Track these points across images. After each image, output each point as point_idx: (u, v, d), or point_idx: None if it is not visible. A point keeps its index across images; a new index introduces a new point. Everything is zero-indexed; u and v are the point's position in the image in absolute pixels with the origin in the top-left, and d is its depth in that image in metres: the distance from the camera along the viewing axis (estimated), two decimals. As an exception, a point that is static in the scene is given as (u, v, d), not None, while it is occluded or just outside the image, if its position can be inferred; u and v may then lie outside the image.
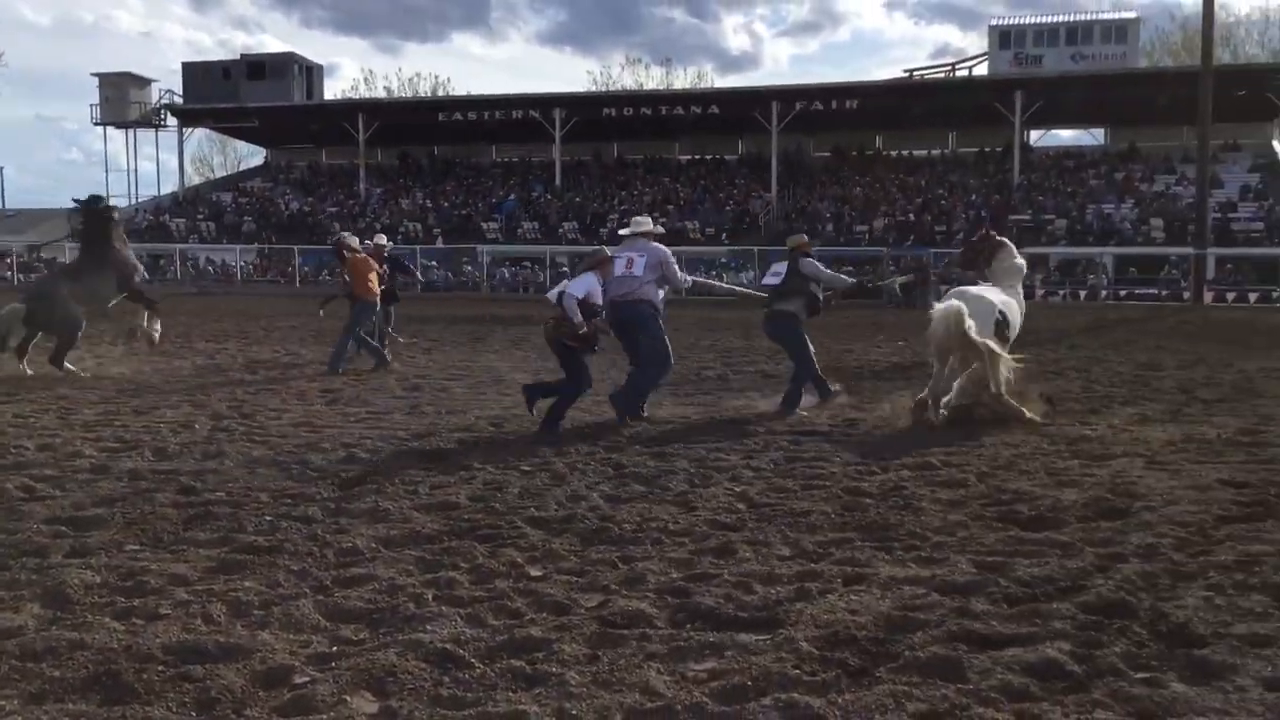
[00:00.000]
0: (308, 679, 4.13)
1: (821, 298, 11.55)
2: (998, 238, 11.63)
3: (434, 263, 49.02)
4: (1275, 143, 52.22)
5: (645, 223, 11.40)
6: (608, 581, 5.34)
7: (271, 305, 33.22)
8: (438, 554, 5.82)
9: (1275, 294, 38.48)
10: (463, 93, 75.44)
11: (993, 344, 9.83)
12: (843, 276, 14.15)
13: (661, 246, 10.98)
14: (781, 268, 11.68)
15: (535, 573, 5.49)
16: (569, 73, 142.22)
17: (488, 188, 59.84)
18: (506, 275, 49.19)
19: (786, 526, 6.41)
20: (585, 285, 9.98)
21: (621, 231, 11.66)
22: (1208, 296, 37.20)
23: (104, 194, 21.44)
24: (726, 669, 4.20)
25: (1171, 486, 7.39)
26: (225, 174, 77.45)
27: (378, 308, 15.30)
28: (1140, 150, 53.12)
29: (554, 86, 75.87)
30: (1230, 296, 38.34)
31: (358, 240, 16.07)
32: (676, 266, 11.09)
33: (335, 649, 4.46)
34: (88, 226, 14.98)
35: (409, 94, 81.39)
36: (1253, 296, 38.43)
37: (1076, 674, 4.10)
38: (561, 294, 9.96)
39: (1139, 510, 6.70)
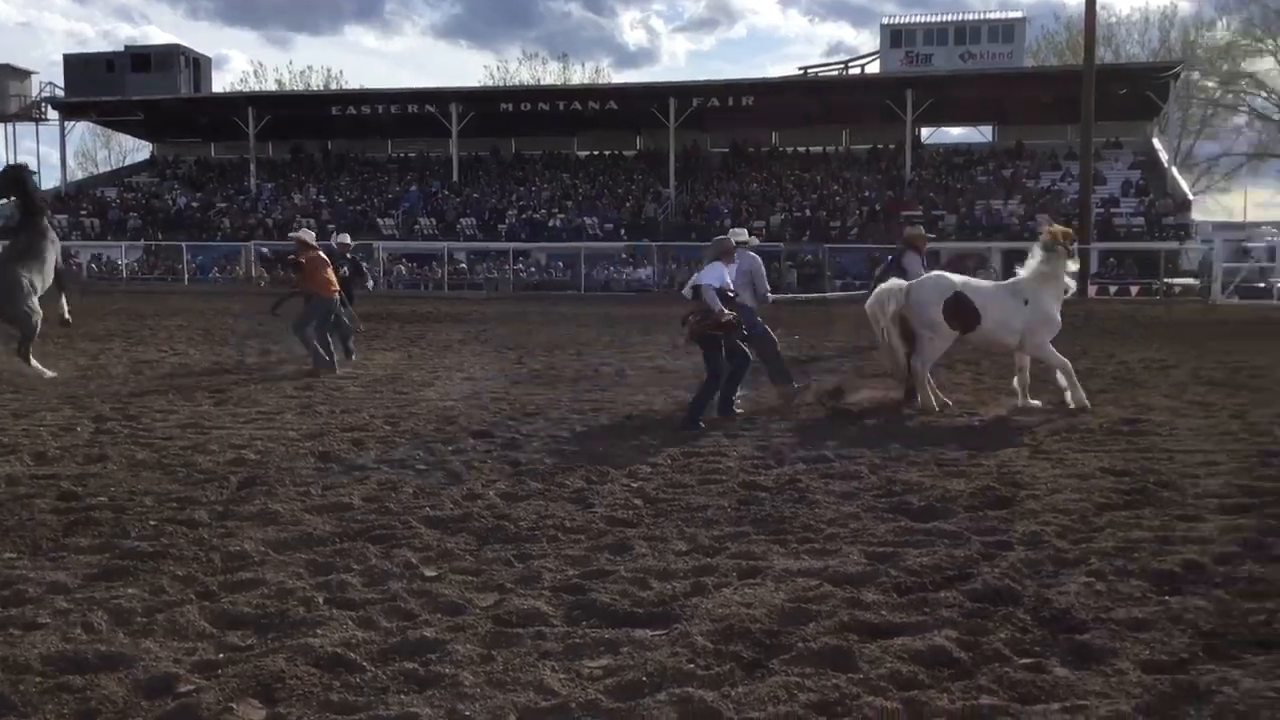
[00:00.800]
0: (192, 687, 4.03)
1: None
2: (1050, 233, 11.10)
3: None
4: (1155, 140, 54.04)
5: (741, 233, 11.77)
6: (503, 580, 5.30)
7: (159, 304, 32.31)
8: (329, 556, 5.72)
9: (1155, 287, 39.84)
10: (356, 86, 74.27)
11: (896, 328, 10.72)
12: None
13: (755, 256, 11.49)
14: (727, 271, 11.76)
15: (430, 573, 5.43)
16: (465, 67, 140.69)
17: (383, 183, 58.99)
18: (404, 272, 48.58)
19: (683, 522, 6.44)
20: (719, 275, 10.07)
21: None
22: (1091, 290, 38.35)
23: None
24: (621, 665, 4.20)
25: (1055, 475, 7.61)
26: (110, 169, 75.16)
27: (335, 304, 14.63)
28: (1027, 148, 54.52)
29: (450, 81, 75.22)
30: (1113, 290, 39.58)
31: (314, 235, 15.44)
32: (765, 277, 11.67)
33: (221, 656, 4.36)
34: (21, 199, 13.91)
35: (301, 87, 79.87)
36: (1134, 290, 39.71)
37: (963, 661, 4.20)
38: (697, 287, 9.96)
39: (1024, 499, 6.88)
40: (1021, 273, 10.94)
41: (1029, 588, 5.04)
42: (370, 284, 16.83)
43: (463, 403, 11.52)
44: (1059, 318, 10.96)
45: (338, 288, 14.64)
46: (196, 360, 16.02)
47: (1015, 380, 11.09)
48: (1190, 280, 40.26)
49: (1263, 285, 36.47)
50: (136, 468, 8.05)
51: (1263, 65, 69.89)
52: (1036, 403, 10.84)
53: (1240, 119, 72.51)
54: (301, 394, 12.21)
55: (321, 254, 14.68)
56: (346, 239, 16.76)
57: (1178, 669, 4.11)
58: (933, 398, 10.71)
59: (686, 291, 10.48)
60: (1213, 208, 71.19)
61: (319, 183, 59.52)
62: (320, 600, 4.99)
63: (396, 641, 4.47)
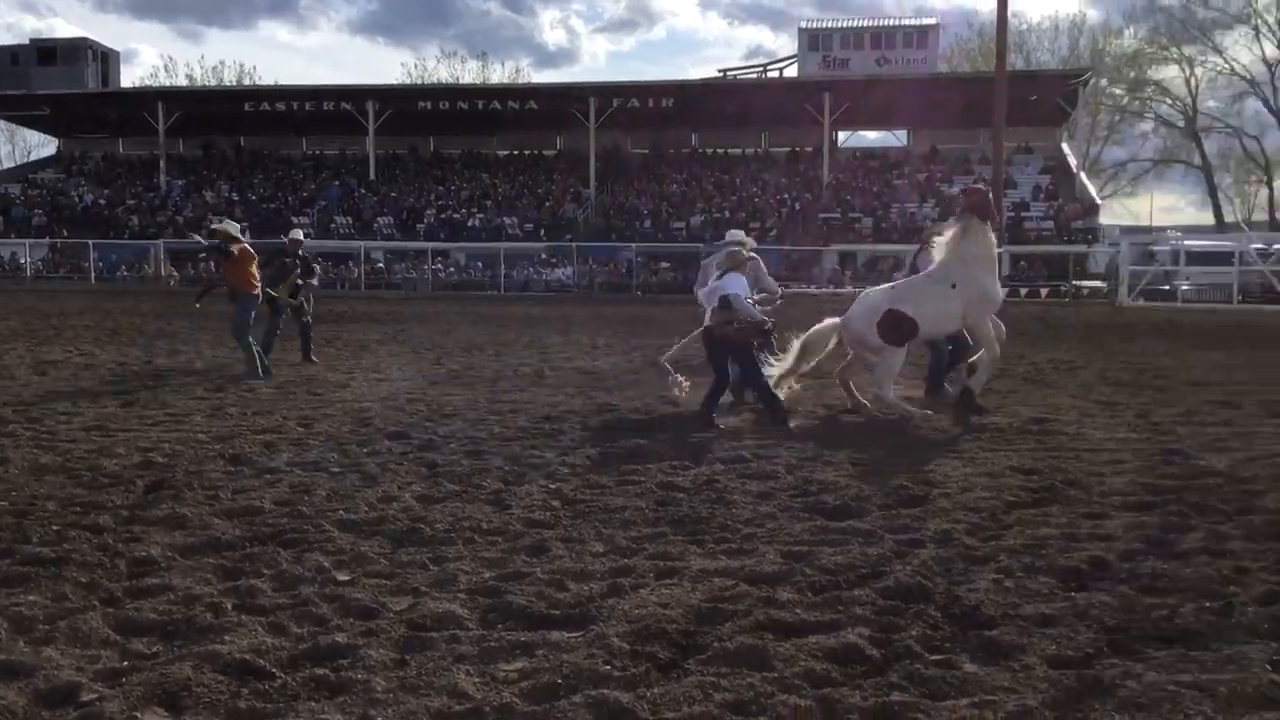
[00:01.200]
0: (95, 696, 3.92)
1: None
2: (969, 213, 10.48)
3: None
4: (1064, 145, 55.37)
5: (738, 234, 12.01)
6: (418, 583, 5.24)
7: (64, 303, 31.47)
8: (238, 561, 5.61)
9: (1064, 289, 40.76)
10: (270, 82, 73.02)
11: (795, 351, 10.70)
12: None
13: (754, 255, 11.57)
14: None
15: (342, 577, 5.35)
16: (382, 64, 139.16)
17: (298, 181, 58.16)
18: (319, 271, 47.90)
19: (601, 523, 6.43)
20: (743, 285, 10.21)
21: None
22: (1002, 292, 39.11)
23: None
24: (537, 668, 4.17)
25: (966, 474, 7.74)
26: (13, 165, 73.03)
27: (259, 301, 13.98)
28: (940, 152, 55.51)
29: (367, 78, 74.29)
30: (1023, 292, 40.42)
31: (239, 227, 14.66)
32: (767, 274, 11.95)
33: (126, 664, 4.25)
34: None
35: (213, 82, 78.39)
36: (1044, 291, 40.60)
37: (875, 658, 4.24)
38: (727, 297, 10.01)
39: (936, 497, 6.98)
40: (939, 255, 10.48)
41: (940, 585, 5.12)
42: (316, 281, 15.90)
43: (379, 404, 11.38)
44: (997, 292, 10.48)
45: (259, 285, 14.00)
46: (103, 361, 15.62)
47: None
48: (1098, 283, 41.29)
49: (1167, 288, 37.52)
50: (39, 471, 7.81)
51: (1168, 73, 72.21)
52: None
53: (1146, 125, 74.87)
54: (212, 396, 11.96)
55: (248, 247, 14.14)
56: (299, 235, 15.92)
57: (1083, 664, 4.19)
58: (912, 408, 10.49)
59: (703, 296, 10.67)
60: (1120, 212, 73.31)
61: (231, 180, 58.51)
62: (229, 606, 4.88)
63: (307, 647, 4.39)
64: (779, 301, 11.86)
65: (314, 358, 15.48)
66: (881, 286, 11.14)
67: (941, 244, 10.48)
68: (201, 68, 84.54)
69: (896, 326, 10.32)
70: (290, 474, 7.78)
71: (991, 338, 10.39)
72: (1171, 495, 6.93)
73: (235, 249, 13.70)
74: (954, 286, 10.26)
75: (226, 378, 13.43)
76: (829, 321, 10.84)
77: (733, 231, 12.33)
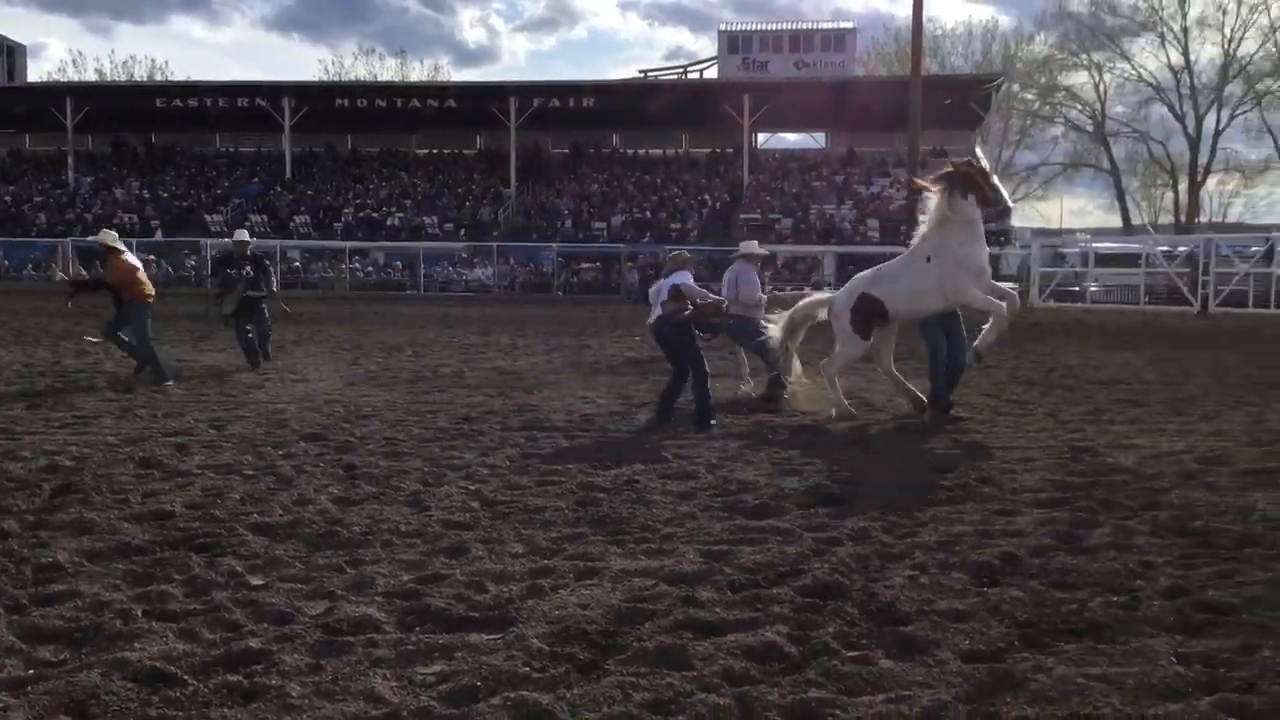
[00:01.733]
0: (0, 706, 3.80)
1: None
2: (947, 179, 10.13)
3: (151, 257, 46.37)
4: (978, 149, 56.37)
5: (752, 245, 12.76)
6: (334, 587, 5.16)
7: (-33, 302, 30.51)
8: (149, 566, 5.47)
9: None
10: (183, 78, 71.54)
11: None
12: None
13: (744, 264, 12.29)
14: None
15: (256, 581, 5.25)
16: (299, 61, 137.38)
17: (212, 178, 57.06)
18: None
19: (520, 524, 6.40)
20: (687, 278, 10.24)
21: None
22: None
23: None
24: (456, 670, 4.14)
25: (883, 472, 7.84)
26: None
27: (151, 307, 13.44)
28: (858, 154, 56.26)
29: (283, 75, 73.11)
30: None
31: (116, 235, 14.01)
32: (750, 282, 12.15)
33: (31, 672, 4.12)
34: None
35: (123, 78, 76.55)
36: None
37: (793, 655, 4.28)
38: (675, 286, 10.03)
39: (854, 496, 7.07)
40: (920, 229, 10.26)
41: (857, 582, 5.18)
42: (273, 285, 15.27)
43: (294, 405, 11.21)
44: (980, 258, 10.02)
45: (152, 292, 13.49)
46: (8, 362, 15.16)
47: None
48: (1010, 284, 42.08)
49: (1076, 289, 38.42)
50: (-62, 476, 7.56)
51: (1078, 79, 74.01)
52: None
53: (1057, 130, 76.56)
54: (121, 397, 11.68)
55: (130, 258, 13.76)
56: (244, 235, 15.40)
57: (995, 658, 4.27)
58: (843, 403, 10.49)
59: (653, 293, 10.58)
60: (1031, 215, 74.90)
61: (142, 177, 57.24)
62: (138, 612, 4.76)
63: (220, 653, 4.30)
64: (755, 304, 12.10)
65: (262, 362, 14.77)
66: (868, 271, 10.95)
67: (922, 221, 10.29)
68: (112, 63, 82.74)
69: (866, 313, 10.31)
70: (202, 477, 7.62)
71: (986, 297, 9.92)
72: (1080, 492, 7.10)
73: (112, 260, 13.37)
74: (929, 260, 9.94)
75: (136, 379, 13.12)
76: (815, 296, 11.13)
77: (745, 243, 12.89)
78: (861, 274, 10.92)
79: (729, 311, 10.67)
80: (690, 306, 9.96)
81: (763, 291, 12.47)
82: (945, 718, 3.71)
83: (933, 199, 10.06)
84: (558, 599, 4.95)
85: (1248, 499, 6.93)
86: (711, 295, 10.30)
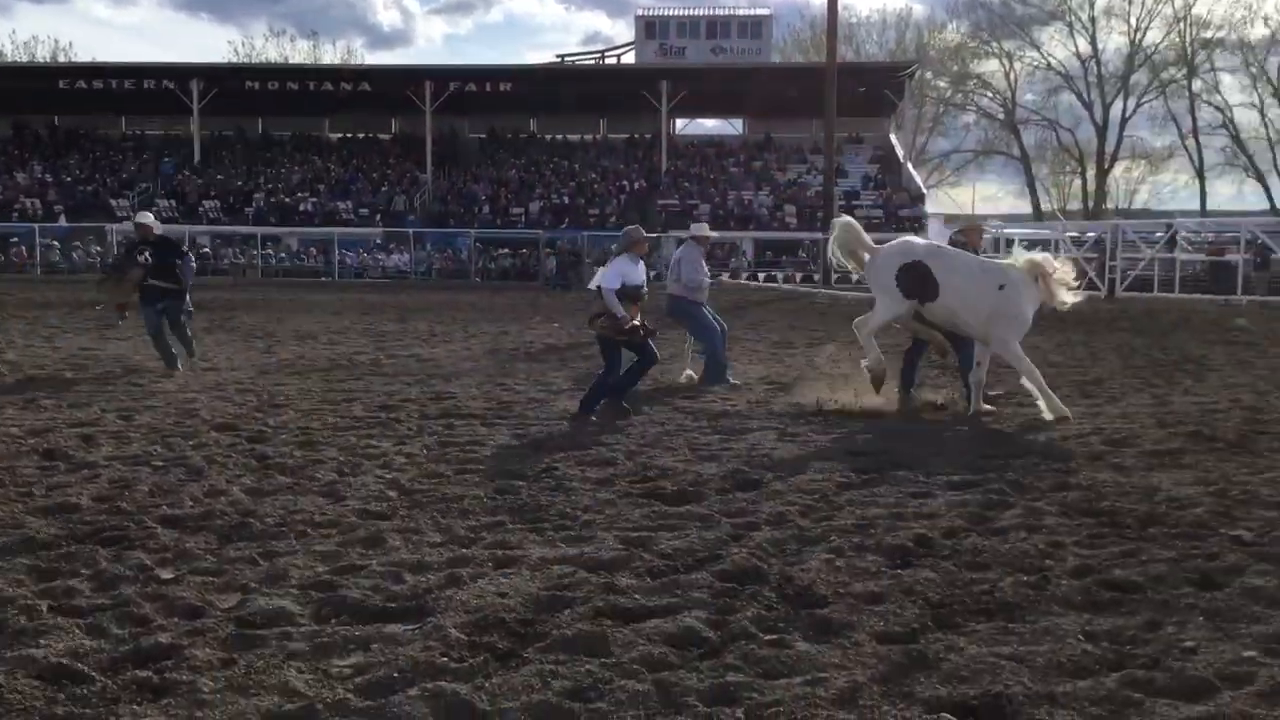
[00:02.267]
0: (-102, 709, 3.67)
1: None
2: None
3: (55, 243, 45.12)
4: (892, 136, 57.15)
5: (702, 228, 12.86)
6: (247, 580, 5.07)
7: None
8: (54, 561, 5.32)
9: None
10: (88, 59, 69.51)
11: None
12: None
13: (692, 245, 12.38)
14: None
15: (166, 575, 5.13)
16: (207, 42, 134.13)
17: (117, 162, 55.58)
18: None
19: (439, 513, 6.35)
20: (618, 275, 9.77)
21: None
22: (835, 277, 40.13)
23: None
24: (372, 662, 4.09)
25: (800, 457, 7.92)
26: None
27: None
28: (775, 140, 56.64)
29: (191, 56, 71.46)
30: (854, 278, 41.48)
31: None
32: (692, 264, 12.14)
33: (-69, 673, 3.99)
34: None
35: (25, 58, 74.15)
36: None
37: (712, 640, 4.30)
38: (599, 288, 9.72)
39: (771, 481, 7.13)
40: (1010, 258, 10.10)
41: (775, 566, 5.23)
42: (190, 272, 13.14)
43: (205, 395, 10.98)
44: (1028, 322, 9.97)
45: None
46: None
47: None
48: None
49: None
50: None
51: (989, 67, 75.37)
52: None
53: (969, 117, 77.91)
54: (24, 388, 11.34)
55: None
56: (149, 218, 13.63)
57: (909, 639, 4.34)
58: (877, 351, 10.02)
59: (592, 286, 10.32)
60: (944, 201, 75.94)
61: (45, 160, 55.52)
62: (44, 608, 4.63)
63: (129, 649, 4.21)
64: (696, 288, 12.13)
65: (189, 362, 13.10)
66: (928, 241, 10.83)
67: (1015, 251, 10.18)
68: (13, 43, 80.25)
69: (918, 280, 9.68)
70: (110, 469, 7.44)
71: (1021, 355, 9.74)
72: (992, 474, 7.23)
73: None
74: (1001, 288, 9.66)
75: (38, 368, 12.74)
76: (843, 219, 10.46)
77: (696, 225, 13.01)
78: (918, 240, 10.75)
79: (670, 293, 10.62)
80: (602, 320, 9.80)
81: (706, 275, 12.48)
82: (860, 699, 3.76)
83: (1040, 259, 9.86)
84: (476, 588, 4.92)
85: (1152, 480, 7.14)
86: (621, 312, 9.67)
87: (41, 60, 72.53)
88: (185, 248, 14.26)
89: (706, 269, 12.45)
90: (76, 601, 4.76)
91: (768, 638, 4.34)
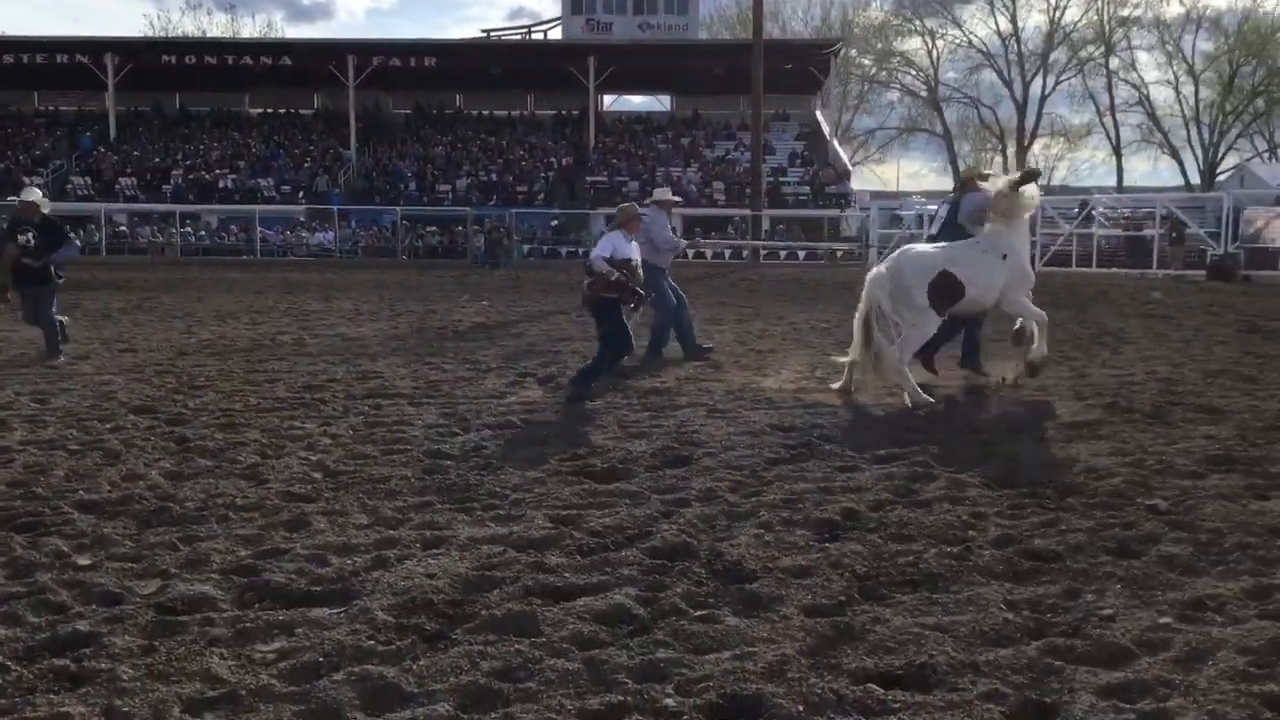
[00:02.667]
0: None
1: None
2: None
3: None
4: (818, 113, 57.41)
5: (665, 192, 12.95)
6: (167, 565, 4.98)
7: None
8: (-35, 549, 5.18)
9: (820, 252, 42.39)
10: (-4, 32, 67.29)
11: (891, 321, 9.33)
12: None
13: (659, 212, 12.25)
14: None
15: (83, 561, 5.02)
16: (121, 15, 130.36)
17: (30, 139, 53.99)
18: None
19: (365, 494, 6.28)
20: (610, 246, 9.84)
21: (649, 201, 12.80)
22: (762, 254, 40.37)
23: None
24: (297, 647, 4.04)
25: (729, 433, 7.95)
26: None
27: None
28: (703, 117, 56.63)
29: (105, 30, 69.48)
30: (782, 254, 41.79)
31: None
32: (665, 226, 12.22)
33: None
34: None
35: (-72, 30, 71.60)
36: (801, 254, 42.12)
37: (642, 617, 4.31)
38: (590, 259, 9.87)
39: (701, 457, 7.15)
40: (989, 222, 9.87)
41: (704, 542, 5.25)
42: (75, 250, 12.58)
43: (123, 377, 10.73)
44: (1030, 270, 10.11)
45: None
46: None
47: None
48: (850, 244, 43.07)
49: (913, 250, 39.51)
50: None
51: (912, 45, 76.06)
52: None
53: (893, 95, 78.58)
54: (-67, 371, 11.00)
55: None
56: (36, 195, 12.62)
57: (836, 611, 4.39)
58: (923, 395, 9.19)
59: (598, 254, 10.05)
60: (870, 178, 76.69)
61: (-48, 137, 53.71)
62: (-45, 598, 4.51)
63: (45, 637, 4.11)
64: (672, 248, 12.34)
65: (61, 354, 12.03)
66: (926, 245, 10.29)
67: (993, 193, 9.85)
68: (-86, 14, 77.15)
69: (946, 290, 9.37)
70: (24, 453, 7.24)
71: (1032, 307, 9.88)
72: (916, 448, 7.32)
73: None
74: (1005, 258, 9.63)
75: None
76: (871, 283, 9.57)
77: (659, 190, 13.25)
78: (923, 247, 10.08)
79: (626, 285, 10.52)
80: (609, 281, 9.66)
81: (678, 237, 12.68)
82: (789, 671, 3.79)
83: (1008, 185, 9.74)
84: (404, 570, 4.88)
85: (1071, 450, 7.28)
86: (607, 269, 9.64)
87: (-53, 33, 70.12)
88: (69, 231, 13.18)
89: (670, 228, 12.43)
90: (-11, 590, 4.64)
91: (697, 613, 4.36)
